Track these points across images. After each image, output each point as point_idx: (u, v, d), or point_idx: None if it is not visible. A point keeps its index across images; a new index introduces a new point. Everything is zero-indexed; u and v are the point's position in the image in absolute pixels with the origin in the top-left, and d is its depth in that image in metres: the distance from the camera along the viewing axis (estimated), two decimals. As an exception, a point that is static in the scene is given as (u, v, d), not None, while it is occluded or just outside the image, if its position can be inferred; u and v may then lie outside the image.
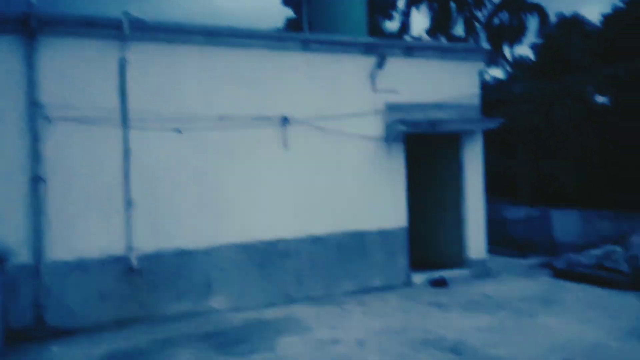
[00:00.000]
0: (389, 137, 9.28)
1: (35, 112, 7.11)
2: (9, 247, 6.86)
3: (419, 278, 9.45)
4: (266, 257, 8.40)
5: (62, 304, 7.11)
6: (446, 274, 9.60)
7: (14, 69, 7.08)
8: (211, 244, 8.04)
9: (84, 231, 7.28)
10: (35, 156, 7.06)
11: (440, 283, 9.26)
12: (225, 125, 8.14)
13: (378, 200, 9.19)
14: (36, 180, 7.05)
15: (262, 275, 8.36)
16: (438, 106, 9.57)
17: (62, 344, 6.64)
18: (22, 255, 6.95)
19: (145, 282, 7.58)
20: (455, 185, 10.12)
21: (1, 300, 6.64)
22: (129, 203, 7.52)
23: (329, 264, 8.83)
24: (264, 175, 8.43)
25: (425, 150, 10.62)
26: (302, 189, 8.67)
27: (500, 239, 13.61)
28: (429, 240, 10.79)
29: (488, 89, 18.43)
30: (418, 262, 10.24)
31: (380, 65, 9.02)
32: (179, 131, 7.82)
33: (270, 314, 7.78)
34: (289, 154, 8.58)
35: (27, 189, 7.03)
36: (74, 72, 7.36)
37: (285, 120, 8.53)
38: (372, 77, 9.17)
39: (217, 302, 8.02)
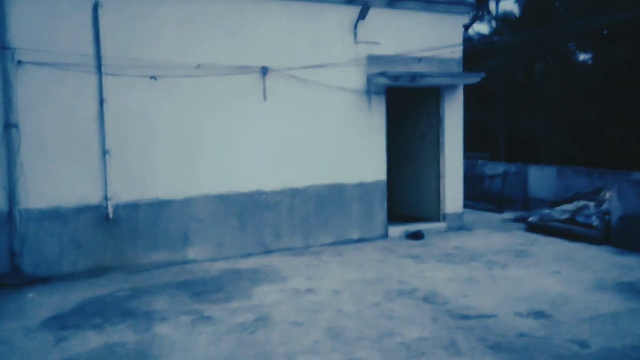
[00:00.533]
0: (370, 89, 9.19)
1: (5, 56, 6.86)
2: (-19, 194, 6.75)
3: (396, 231, 9.59)
4: (244, 208, 8.40)
5: (38, 252, 7.08)
6: (423, 227, 9.75)
7: (-20, 10, 6.78)
8: (188, 194, 8.00)
9: (59, 180, 7.17)
10: (7, 102, 6.86)
11: (416, 236, 9.41)
12: (203, 74, 7.96)
13: (358, 153, 9.19)
14: (8, 127, 6.86)
15: (240, 226, 8.38)
16: (420, 59, 9.47)
17: (38, 291, 6.65)
18: (-5, 203, 6.85)
19: (121, 232, 7.56)
20: (435, 140, 10.15)
21: (-26, 248, 6.58)
22: (104, 152, 7.40)
23: (308, 216, 8.88)
24: (242, 126, 8.33)
25: (405, 103, 10.58)
26: (281, 141, 8.61)
27: (478, 194, 13.80)
28: (407, 194, 10.89)
29: (471, 43, 18.27)
30: (396, 216, 10.38)
31: (362, 15, 8.84)
32: (154, 78, 7.63)
33: (247, 264, 7.85)
34: (268, 104, 8.47)
35: (-2, 136, 6.86)
36: (46, 15, 7.06)
37: (265, 70, 8.37)
38: (354, 28, 9.00)
39: (194, 252, 8.05)
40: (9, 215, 6.91)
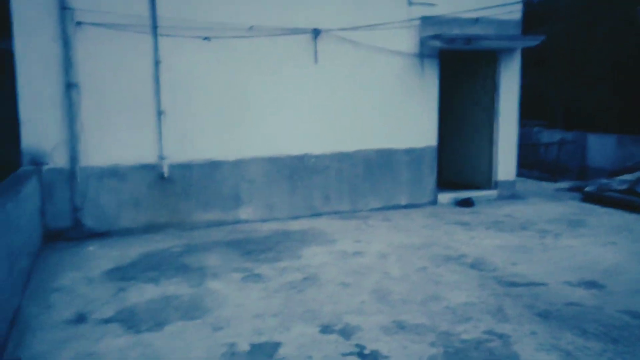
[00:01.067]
0: (423, 52, 8.98)
1: (65, 17, 7.07)
2: (46, 151, 7.09)
3: (445, 198, 9.49)
4: (294, 171, 8.50)
5: (98, 208, 7.42)
6: (473, 194, 9.61)
7: (43, -28, 6.98)
8: (240, 156, 8.14)
9: (117, 139, 7.43)
10: (67, 62, 7.10)
11: (466, 203, 9.29)
12: (255, 35, 7.98)
13: (408, 118, 9.06)
14: (69, 87, 7.13)
15: (290, 188, 8.50)
16: (476, 21, 9.15)
17: (98, 245, 7.00)
18: (59, 160, 7.19)
19: (176, 191, 7.81)
20: (489, 106, 9.87)
21: (39, 202, 6.96)
22: (159, 112, 7.59)
23: (356, 181, 8.90)
24: (293, 89, 8.35)
25: (459, 68, 10.30)
26: (331, 105, 8.59)
27: (531, 162, 13.42)
28: (457, 161, 10.71)
29: (531, 4, 17.44)
30: (445, 182, 10.25)
31: (417, -25, 8.58)
32: (208, 39, 7.71)
33: (296, 226, 7.98)
34: (319, 67, 8.43)
35: (61, 95, 7.13)
36: (102, -24, 7.22)
37: (316, 32, 8.30)
38: (408, -12, 8.77)
39: (245, 212, 8.24)
40: (71, 172, 7.25)
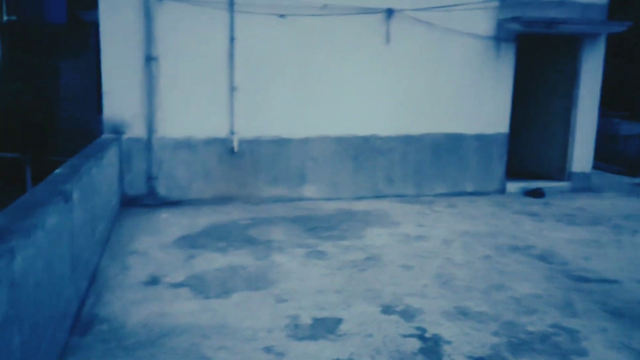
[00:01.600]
0: (499, 36, 8.68)
1: (148, -7, 7.34)
2: (125, 121, 7.45)
3: (513, 187, 9.22)
4: (359, 151, 8.50)
5: (171, 178, 7.74)
6: (544, 185, 9.28)
7: (128, -52, 7.26)
8: (307, 134, 8.23)
9: (191, 112, 7.69)
10: (148, 36, 7.39)
11: (536, 193, 8.99)
12: (328, 13, 7.98)
13: (480, 103, 8.83)
14: (149, 60, 7.42)
15: (354, 168, 8.52)
16: (558, 3, 8.72)
17: (171, 213, 7.33)
18: (137, 130, 7.53)
19: (244, 165, 8.01)
20: (567, 94, 9.44)
21: (118, 169, 7.34)
22: (232, 88, 7.78)
23: (422, 165, 8.80)
24: (362, 69, 8.31)
25: (537, 53, 9.89)
26: (401, 86, 8.49)
27: (609, 155, 12.76)
28: (529, 150, 10.36)
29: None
30: (514, 172, 9.94)
31: (499, -46, 8.26)
32: (283, 17, 7.79)
33: (359, 206, 8.02)
34: (391, 48, 8.34)
35: (141, 68, 7.44)
36: (184, -48, 7.41)
37: (389, 12, 8.20)
38: (488, -32, 8.47)
39: (309, 190, 8.35)
40: (148, 143, 7.58)
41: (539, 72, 9.98)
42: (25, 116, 10.42)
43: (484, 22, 8.62)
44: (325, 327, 4.06)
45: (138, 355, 3.52)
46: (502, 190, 9.16)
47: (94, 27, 7.51)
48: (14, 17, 12.18)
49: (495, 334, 4.01)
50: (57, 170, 4.30)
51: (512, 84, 8.91)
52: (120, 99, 7.42)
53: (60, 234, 3.41)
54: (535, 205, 8.38)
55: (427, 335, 3.96)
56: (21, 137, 10.38)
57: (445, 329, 4.06)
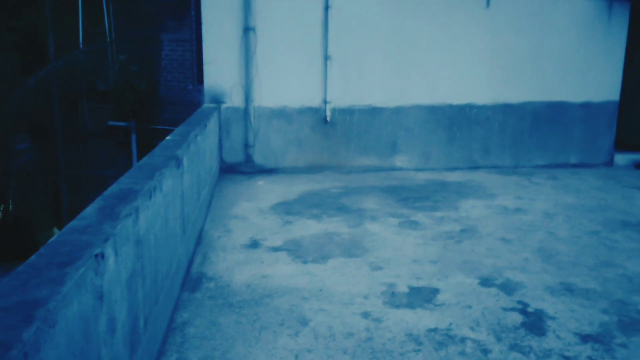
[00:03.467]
0: (613, -5, 8.02)
1: (245, -37, 7.45)
2: (225, 91, 7.71)
3: (623, 159, 8.62)
4: (453, 121, 8.27)
5: (266, 146, 7.96)
6: (657, 157, 8.60)
7: None
8: (400, 103, 8.11)
9: (286, 81, 7.81)
10: (246, 7, 7.53)
11: (647, 167, 8.36)
12: (425, -22, 7.72)
13: (586, 70, 8.26)
14: (247, 30, 7.59)
15: (448, 138, 8.32)
16: (685, -43, 7.89)
17: (266, 180, 7.56)
18: (235, 99, 7.78)
19: (336, 134, 8.06)
20: (689, 57, 8.59)
21: (219, 136, 7.65)
22: (326, 57, 7.79)
23: (521, 135, 8.42)
24: (459, 35, 8.01)
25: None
26: (499, 52, 8.11)
27: None
28: (641, 120, 9.59)
29: None
30: (624, 144, 9.25)
31: None
32: (378, -16, 7.65)
33: (452, 177, 7.85)
34: (491, 11, 7.95)
35: (239, 39, 7.63)
36: None
37: (491, -26, 7.80)
38: None
39: (401, 160, 8.28)
40: (245, 111, 7.82)
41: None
42: (132, 86, 11.10)
43: (595, -19, 7.99)
44: (422, 297, 4.06)
45: (244, 313, 3.70)
46: (609, 162, 8.59)
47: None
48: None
49: (605, 311, 3.82)
50: (169, 137, 4.56)
51: (623, 49, 8.24)
52: (220, 69, 7.67)
53: (174, 196, 3.63)
54: (647, 179, 7.80)
55: (529, 310, 3.85)
56: (130, 106, 11.08)
57: (549, 305, 3.91)
